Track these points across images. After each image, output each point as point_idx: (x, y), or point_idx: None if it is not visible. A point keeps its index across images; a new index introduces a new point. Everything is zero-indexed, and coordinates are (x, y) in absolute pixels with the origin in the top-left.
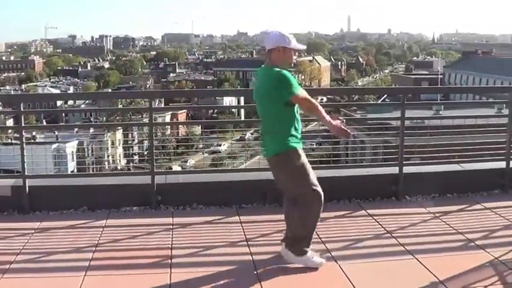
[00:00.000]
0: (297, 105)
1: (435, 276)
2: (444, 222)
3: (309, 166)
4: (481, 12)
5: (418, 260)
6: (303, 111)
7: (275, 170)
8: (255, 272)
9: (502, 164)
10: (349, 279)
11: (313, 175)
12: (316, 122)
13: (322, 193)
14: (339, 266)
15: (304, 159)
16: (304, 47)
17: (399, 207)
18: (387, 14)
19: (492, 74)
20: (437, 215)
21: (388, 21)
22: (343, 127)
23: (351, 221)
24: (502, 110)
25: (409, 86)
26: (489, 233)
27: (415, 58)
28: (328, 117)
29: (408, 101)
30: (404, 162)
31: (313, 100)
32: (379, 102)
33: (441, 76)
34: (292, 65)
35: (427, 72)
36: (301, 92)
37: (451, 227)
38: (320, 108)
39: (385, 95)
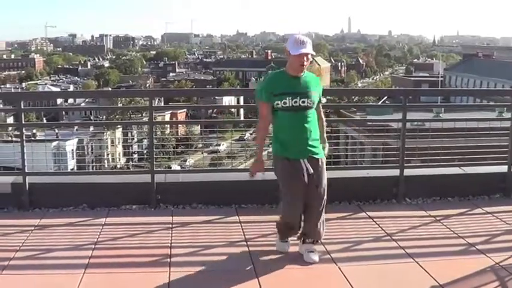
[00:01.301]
0: (291, 113)
1: (435, 280)
2: (445, 225)
3: (288, 178)
4: (482, 15)
5: (418, 264)
6: None
7: None
8: (254, 272)
9: (504, 168)
10: (348, 281)
11: (291, 189)
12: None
13: (292, 213)
14: (339, 268)
15: (283, 169)
16: (306, 51)
17: (400, 210)
18: (388, 16)
19: (493, 77)
20: (437, 218)
21: (388, 23)
22: (256, 168)
23: (351, 223)
24: (503, 114)
25: (410, 88)
26: (490, 237)
27: (415, 60)
28: (259, 150)
29: (409, 103)
30: (405, 165)
31: (260, 128)
32: (379, 103)
33: (441, 79)
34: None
35: (427, 75)
36: (261, 107)
37: (451, 230)
38: (260, 137)
39: (385, 97)
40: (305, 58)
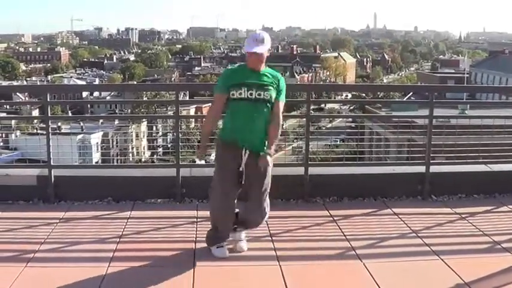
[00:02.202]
0: (245, 103)
1: (460, 277)
2: (470, 223)
3: (224, 164)
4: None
5: (443, 261)
6: None
7: None
8: (279, 268)
9: None
10: (373, 278)
11: (225, 176)
12: (340, 119)
13: (221, 199)
14: (364, 264)
15: (221, 153)
16: (250, 48)
17: (425, 207)
18: (414, 11)
19: None
20: (463, 215)
21: (414, 19)
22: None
23: (376, 220)
24: None
25: (438, 84)
26: None
27: (441, 56)
28: (203, 137)
29: (436, 99)
30: (431, 162)
31: (209, 115)
32: (404, 100)
33: (467, 75)
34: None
35: (453, 71)
36: (215, 98)
37: (477, 228)
38: (206, 125)
39: (410, 93)
40: (259, 58)
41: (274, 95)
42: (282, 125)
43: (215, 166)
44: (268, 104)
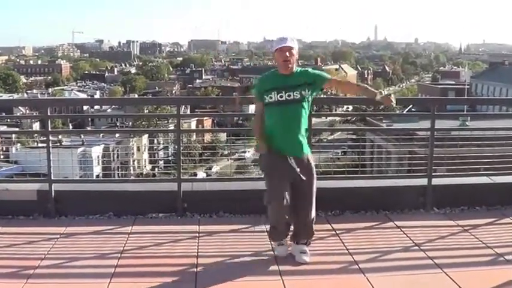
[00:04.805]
0: (278, 108)
1: None
2: (473, 235)
3: (273, 165)
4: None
5: (446, 274)
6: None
7: None
8: (282, 282)
9: None
10: None
11: (275, 175)
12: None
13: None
14: (367, 278)
15: (270, 163)
16: (280, 43)
17: (427, 220)
18: (414, 23)
19: None
20: (466, 228)
21: (415, 31)
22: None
23: (379, 233)
24: None
25: (439, 97)
26: None
27: (441, 68)
28: (259, 136)
29: (438, 111)
30: (433, 174)
31: (255, 120)
32: (405, 112)
33: (468, 86)
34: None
35: (453, 82)
36: (256, 105)
37: (480, 240)
38: (255, 127)
39: (411, 105)
40: (287, 53)
41: (307, 91)
42: None
43: (264, 173)
44: (303, 103)
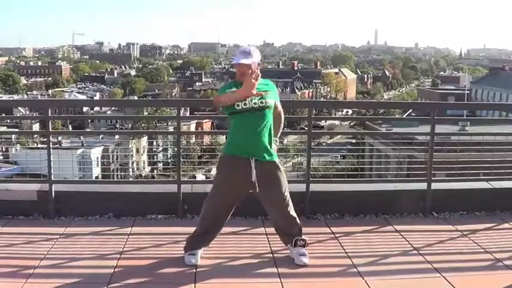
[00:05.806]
0: (241, 116)
1: None
2: (472, 240)
3: (228, 177)
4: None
5: (445, 278)
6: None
7: None
8: (281, 285)
9: None
10: None
11: (226, 189)
12: (340, 136)
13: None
14: (365, 282)
15: (227, 167)
16: (237, 60)
17: (426, 224)
18: (415, 28)
19: None
20: (465, 233)
21: (415, 35)
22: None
23: (378, 237)
24: None
25: (440, 102)
26: None
27: (441, 73)
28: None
29: (438, 116)
30: (432, 178)
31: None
32: (404, 116)
33: (468, 92)
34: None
35: (453, 87)
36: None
37: (478, 245)
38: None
39: (410, 110)
40: (239, 71)
41: (273, 100)
42: (282, 141)
43: (215, 179)
44: (270, 110)
